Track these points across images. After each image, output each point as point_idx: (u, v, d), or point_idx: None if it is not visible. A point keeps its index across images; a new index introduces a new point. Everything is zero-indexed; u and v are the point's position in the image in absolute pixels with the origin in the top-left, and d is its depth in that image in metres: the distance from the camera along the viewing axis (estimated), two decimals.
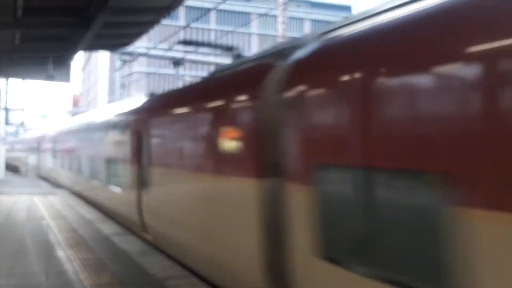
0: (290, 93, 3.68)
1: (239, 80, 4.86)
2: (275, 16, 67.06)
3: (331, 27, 4.15)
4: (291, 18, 76.59)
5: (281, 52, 4.57)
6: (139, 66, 67.69)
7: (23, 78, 16.60)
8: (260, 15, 24.83)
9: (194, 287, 4.83)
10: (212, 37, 75.69)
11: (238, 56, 9.80)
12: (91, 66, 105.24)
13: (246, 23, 36.71)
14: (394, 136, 2.66)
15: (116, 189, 8.69)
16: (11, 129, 56.20)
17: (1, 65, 15.18)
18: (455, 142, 2.30)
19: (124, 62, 24.28)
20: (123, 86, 41.45)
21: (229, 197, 4.37)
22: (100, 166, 10.19)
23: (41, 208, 11.36)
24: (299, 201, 3.41)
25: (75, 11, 10.44)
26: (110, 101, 64.78)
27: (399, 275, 2.60)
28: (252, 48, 79.14)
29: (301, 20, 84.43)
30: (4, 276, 5.16)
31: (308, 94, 3.48)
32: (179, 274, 5.33)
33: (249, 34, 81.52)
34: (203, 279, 5.21)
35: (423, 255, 2.50)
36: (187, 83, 9.83)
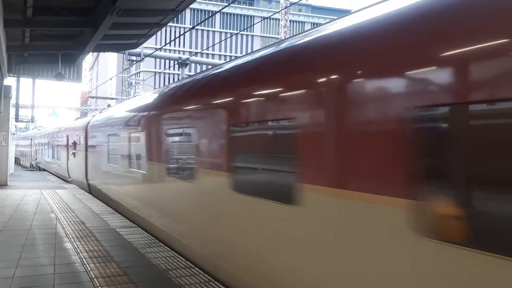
0: None
1: None
2: (277, 20, 67.25)
3: None
4: (292, 21, 76.87)
5: None
6: (146, 65, 68.04)
7: (34, 78, 16.86)
8: (263, 18, 24.90)
9: (195, 277, 5.01)
10: (216, 39, 75.97)
11: None
12: (99, 66, 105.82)
13: (250, 27, 36.85)
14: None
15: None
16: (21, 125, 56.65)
17: (12, 63, 15.44)
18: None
19: (131, 62, 24.52)
20: (130, 84, 41.76)
21: None
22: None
23: (50, 201, 11.58)
24: None
25: (83, 11, 10.64)
26: (118, 100, 65.19)
27: None
28: (255, 49, 79.35)
29: (302, 23, 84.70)
30: (13, 267, 5.33)
31: None
32: (181, 265, 5.52)
33: (252, 36, 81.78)
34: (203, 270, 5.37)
35: None
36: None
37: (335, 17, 4.16)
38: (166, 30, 71.22)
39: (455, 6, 2.48)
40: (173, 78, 72.57)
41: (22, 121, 24.01)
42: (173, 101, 6.77)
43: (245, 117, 4.47)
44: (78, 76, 16.65)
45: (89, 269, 5.29)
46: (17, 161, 37.17)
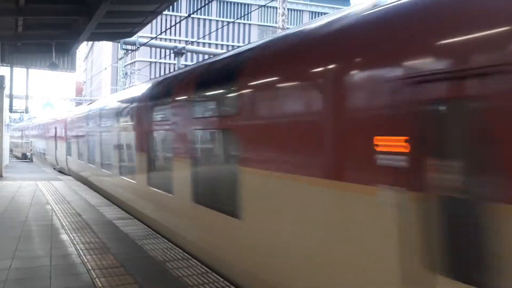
0: None
1: None
2: (275, 8, 66.65)
3: None
4: (290, 9, 76.26)
5: None
6: (142, 55, 67.55)
7: (27, 67, 16.68)
8: (260, 6, 24.87)
9: (192, 269, 4.99)
10: (213, 27, 75.39)
11: None
12: (94, 56, 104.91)
13: (246, 14, 36.60)
14: None
15: None
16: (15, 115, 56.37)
17: (5, 52, 15.25)
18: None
19: (126, 51, 24.31)
20: (125, 74, 41.52)
21: None
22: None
23: (46, 193, 11.52)
24: None
25: None
26: (113, 90, 64.90)
27: None
28: (252, 39, 79.01)
29: (300, 11, 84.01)
30: (9, 259, 5.30)
31: None
32: (178, 256, 5.50)
33: (249, 25, 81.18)
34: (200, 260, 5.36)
35: None
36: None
37: (335, 6, 3.95)
38: (161, 19, 70.49)
39: None
40: (169, 68, 72.07)
41: (16, 112, 23.78)
42: None
43: None
44: (72, 66, 16.51)
45: (86, 260, 5.28)
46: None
